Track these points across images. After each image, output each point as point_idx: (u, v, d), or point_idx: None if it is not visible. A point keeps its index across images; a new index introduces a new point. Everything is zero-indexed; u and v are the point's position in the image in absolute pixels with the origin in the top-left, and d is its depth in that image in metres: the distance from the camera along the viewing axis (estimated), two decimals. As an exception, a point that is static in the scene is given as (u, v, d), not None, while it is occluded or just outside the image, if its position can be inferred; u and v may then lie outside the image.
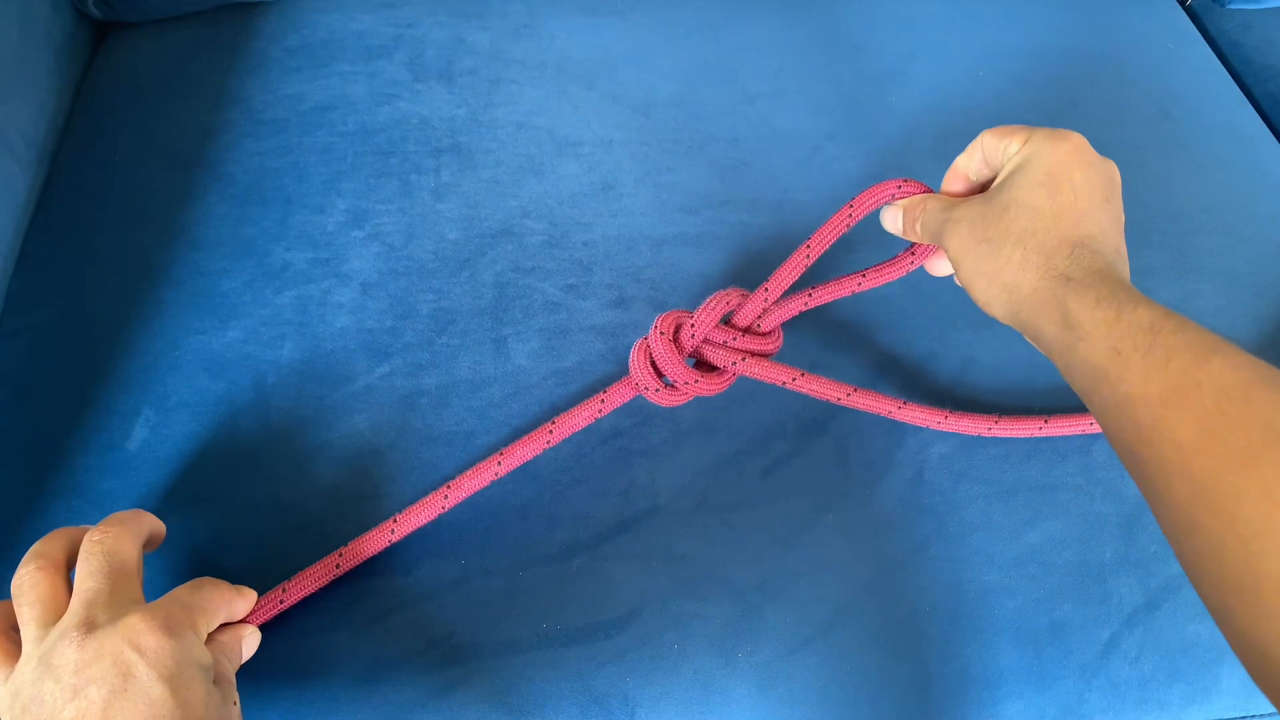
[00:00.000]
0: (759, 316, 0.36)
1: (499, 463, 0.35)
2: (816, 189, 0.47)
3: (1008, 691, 0.35)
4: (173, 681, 0.24)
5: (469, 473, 0.34)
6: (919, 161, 0.49)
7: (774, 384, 0.36)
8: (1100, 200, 0.30)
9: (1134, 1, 0.61)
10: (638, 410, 0.39)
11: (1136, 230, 0.47)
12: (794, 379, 0.36)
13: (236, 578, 0.31)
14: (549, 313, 0.41)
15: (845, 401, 0.37)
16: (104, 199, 0.44)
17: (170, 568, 0.34)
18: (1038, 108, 0.53)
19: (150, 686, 0.24)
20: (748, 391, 0.39)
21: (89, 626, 0.25)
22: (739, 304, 0.36)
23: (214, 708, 0.26)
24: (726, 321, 0.36)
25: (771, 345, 0.36)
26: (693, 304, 0.42)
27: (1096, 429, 0.39)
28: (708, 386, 0.35)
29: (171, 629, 0.25)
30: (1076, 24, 0.59)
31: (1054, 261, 0.28)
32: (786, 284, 0.36)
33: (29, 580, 0.27)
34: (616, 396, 0.36)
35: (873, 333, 0.42)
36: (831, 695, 0.34)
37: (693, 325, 0.35)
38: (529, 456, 0.35)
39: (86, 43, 0.51)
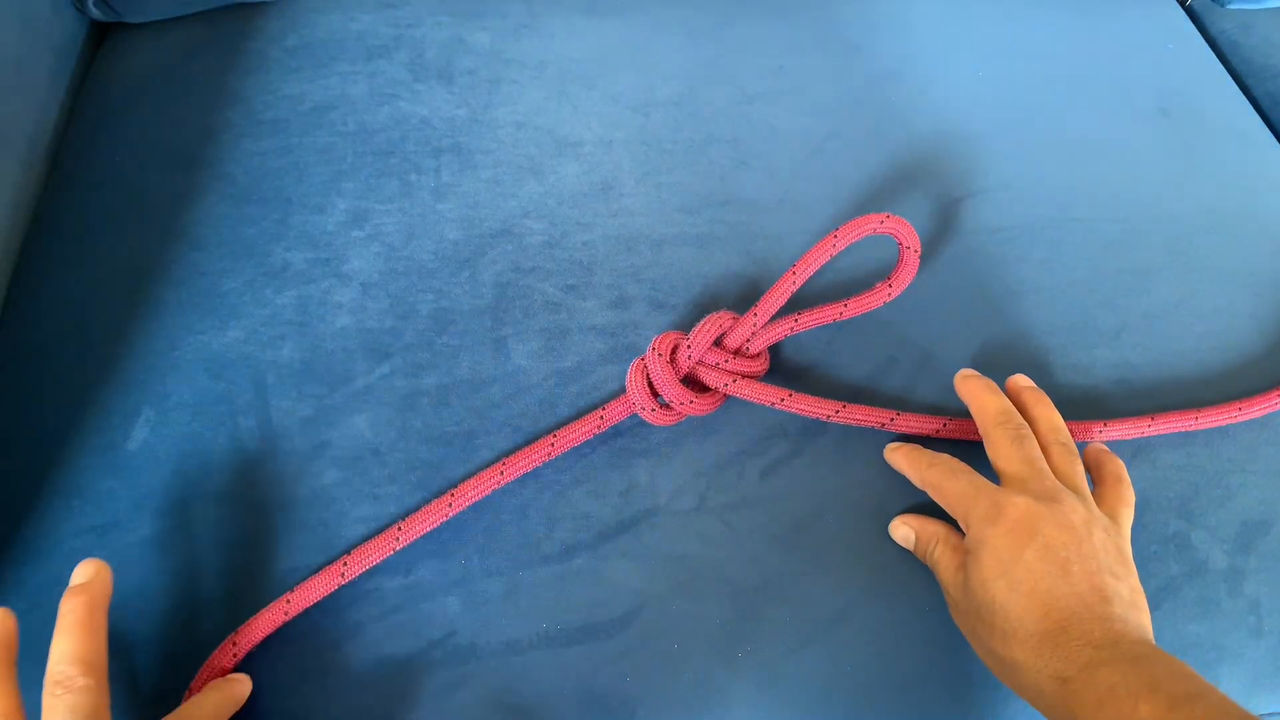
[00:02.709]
0: (748, 339, 0.38)
1: (501, 471, 0.35)
2: (816, 189, 0.47)
3: (1007, 692, 0.34)
4: None
5: (471, 481, 0.35)
6: (919, 161, 0.49)
7: (765, 405, 0.37)
8: (1058, 567, 0.28)
9: (1134, 1, 0.61)
10: (638, 410, 0.39)
11: (1137, 230, 0.48)
12: (782, 400, 0.37)
13: (236, 578, 0.31)
14: (549, 313, 0.41)
15: (835, 418, 0.37)
16: (104, 199, 0.44)
17: (170, 568, 0.34)
18: (1038, 108, 0.53)
19: None
20: (748, 391, 0.39)
21: None
22: (730, 326, 0.38)
23: None
24: (718, 344, 0.38)
25: (760, 367, 0.39)
26: (692, 305, 0.42)
27: (1097, 435, 0.39)
28: (700, 406, 0.37)
29: None
30: (1076, 24, 0.59)
31: (1043, 661, 0.27)
32: (774, 308, 0.38)
33: (64, 688, 0.25)
34: (614, 414, 0.37)
35: (872, 333, 0.42)
36: (831, 695, 0.34)
37: (689, 347, 0.37)
38: (530, 467, 0.36)
39: (86, 43, 0.51)
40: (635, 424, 0.38)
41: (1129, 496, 0.34)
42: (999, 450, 0.33)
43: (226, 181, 0.44)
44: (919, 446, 0.36)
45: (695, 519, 0.37)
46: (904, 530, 0.35)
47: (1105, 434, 0.39)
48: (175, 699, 0.31)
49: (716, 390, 0.37)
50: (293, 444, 0.37)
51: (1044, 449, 0.33)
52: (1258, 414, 0.41)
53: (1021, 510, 0.30)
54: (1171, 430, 0.40)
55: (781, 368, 0.41)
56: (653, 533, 0.36)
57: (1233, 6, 0.65)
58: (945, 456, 0.34)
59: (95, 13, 0.49)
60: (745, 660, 0.34)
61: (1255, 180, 0.52)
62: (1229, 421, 0.40)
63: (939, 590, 0.35)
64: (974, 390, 0.36)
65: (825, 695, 0.34)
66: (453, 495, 0.34)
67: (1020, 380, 0.37)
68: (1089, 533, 0.30)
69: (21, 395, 0.37)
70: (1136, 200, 0.49)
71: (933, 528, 0.34)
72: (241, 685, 0.31)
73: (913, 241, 0.40)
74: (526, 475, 0.36)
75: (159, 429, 0.37)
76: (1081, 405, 0.41)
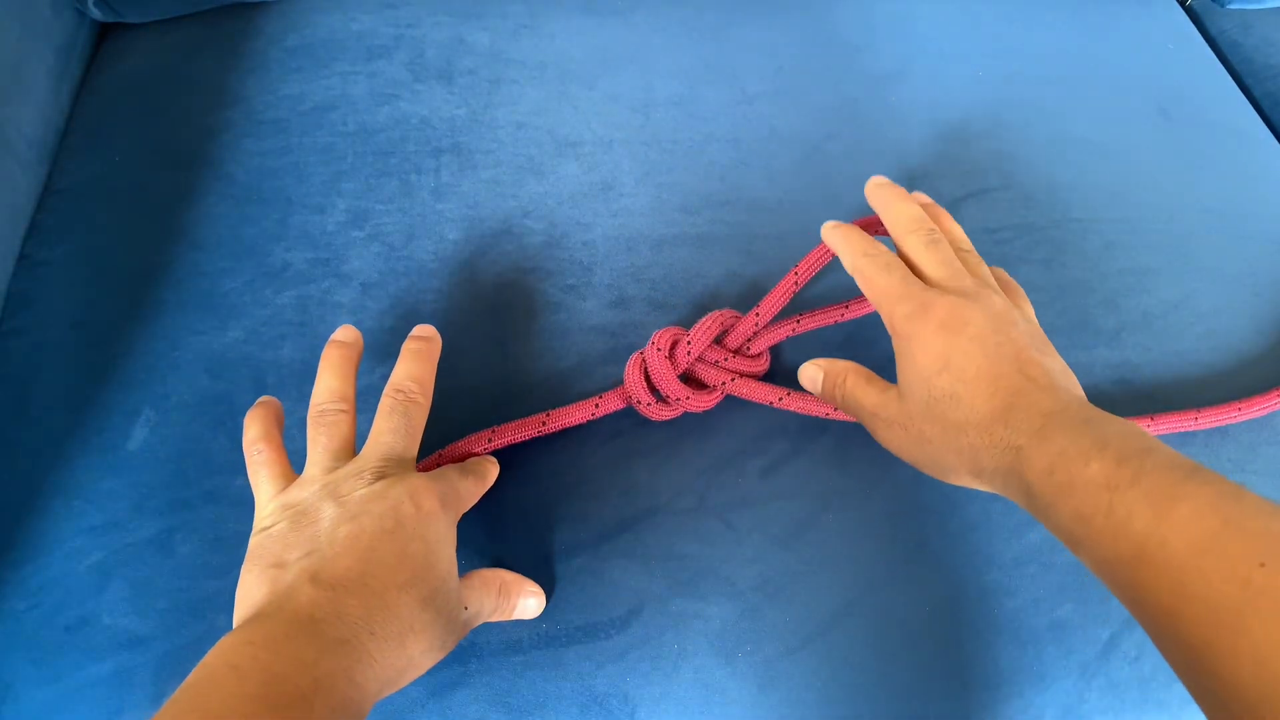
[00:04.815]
0: (749, 339, 0.38)
1: (490, 439, 0.35)
2: (816, 189, 0.47)
3: (1008, 692, 0.35)
4: (428, 545, 0.27)
5: (461, 443, 0.35)
6: (919, 162, 0.49)
7: (763, 404, 0.37)
8: (995, 350, 0.29)
9: (1134, 1, 0.61)
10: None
11: (1137, 230, 0.48)
12: (780, 398, 0.37)
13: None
14: (549, 313, 0.41)
15: (833, 415, 0.37)
16: (104, 199, 0.44)
17: (170, 568, 0.34)
18: (1038, 108, 0.53)
19: (411, 540, 0.27)
20: (748, 391, 0.39)
21: (380, 474, 0.29)
22: (732, 325, 0.38)
23: (446, 585, 0.28)
24: (718, 342, 0.38)
25: (760, 366, 0.38)
26: (692, 305, 0.42)
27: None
28: (697, 403, 0.37)
29: (444, 504, 0.29)
30: (1076, 24, 0.59)
31: (996, 437, 0.27)
32: (776, 309, 0.38)
33: (333, 418, 0.31)
34: (610, 403, 0.37)
35: (873, 332, 0.42)
36: (831, 695, 0.34)
37: (689, 343, 0.37)
38: (519, 439, 0.36)
39: (86, 43, 0.51)
40: (635, 424, 0.38)
41: (1028, 300, 0.35)
42: (917, 253, 0.33)
43: (226, 181, 0.44)
44: (861, 230, 0.35)
45: (695, 519, 0.37)
46: (812, 370, 0.35)
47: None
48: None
49: (715, 388, 0.37)
50: (292, 444, 0.37)
51: (959, 255, 0.34)
52: (1257, 414, 0.41)
53: (948, 305, 0.30)
54: (1171, 430, 0.40)
55: (781, 366, 0.41)
56: (653, 532, 0.36)
57: (1233, 6, 0.65)
58: (883, 249, 0.33)
59: (95, 13, 0.49)
60: (745, 660, 0.34)
61: (1255, 180, 0.52)
62: (1228, 422, 0.40)
63: (939, 590, 0.36)
64: (887, 198, 0.35)
65: (825, 695, 0.34)
66: (440, 456, 0.35)
67: (922, 197, 0.37)
68: (1013, 319, 0.30)
69: (21, 395, 0.37)
70: (1136, 200, 0.49)
71: (839, 364, 0.34)
72: (494, 467, 0.35)
73: None
74: (526, 476, 0.36)
75: (159, 429, 0.37)
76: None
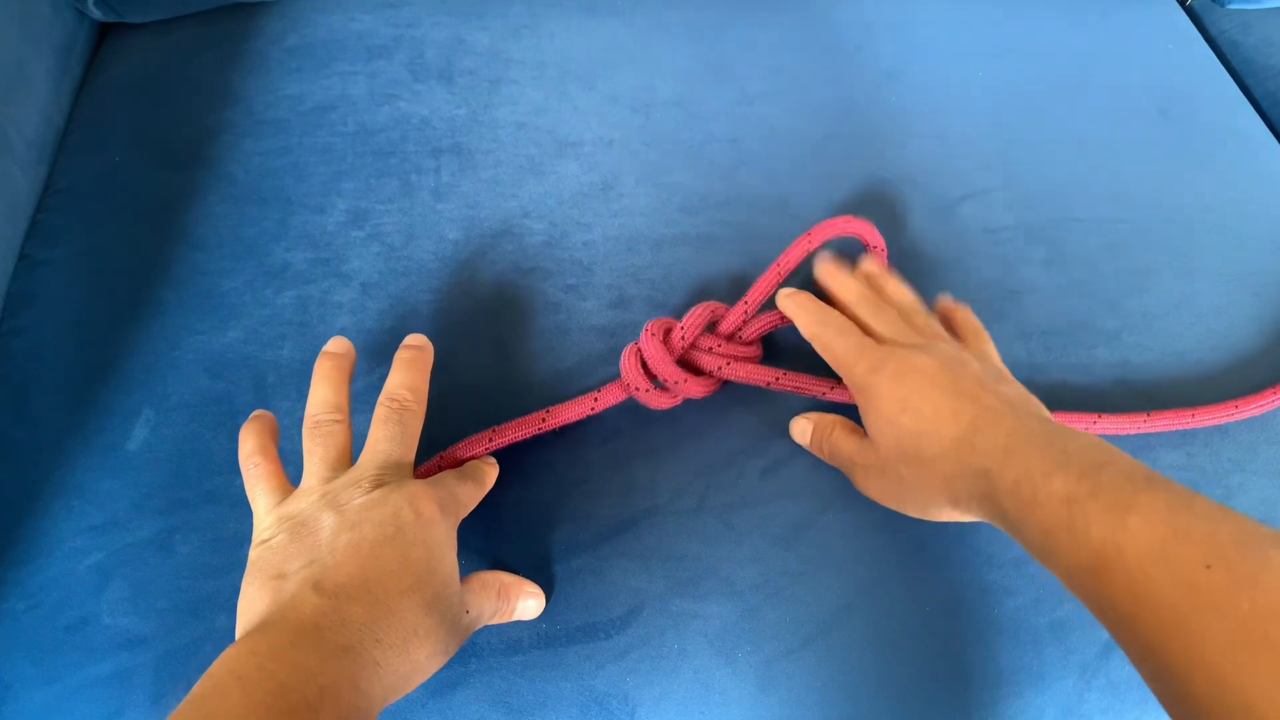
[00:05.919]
0: (740, 326, 0.39)
1: (490, 439, 0.35)
2: (816, 189, 0.47)
3: (1008, 692, 0.35)
4: (429, 550, 0.28)
5: (461, 445, 0.35)
6: (918, 162, 0.49)
7: (759, 385, 0.38)
8: (949, 385, 0.31)
9: (1134, 1, 0.61)
10: (637, 410, 0.39)
11: (1137, 230, 0.48)
12: (776, 379, 0.38)
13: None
14: (549, 313, 0.41)
15: (829, 396, 0.38)
16: (104, 199, 0.44)
17: (170, 568, 0.34)
18: (1038, 108, 0.53)
19: (411, 546, 0.27)
20: (746, 392, 0.39)
21: (378, 482, 0.29)
22: (722, 315, 0.38)
23: (448, 589, 0.28)
24: (711, 330, 0.38)
25: (754, 353, 0.39)
26: (692, 304, 0.42)
27: (1091, 428, 0.39)
28: (696, 388, 0.37)
29: (443, 510, 0.29)
30: (1076, 24, 0.59)
31: (964, 464, 0.29)
32: (764, 297, 0.39)
33: (328, 428, 0.31)
34: (609, 396, 0.37)
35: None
36: (831, 695, 0.34)
37: (682, 329, 0.37)
38: (520, 437, 0.36)
39: (86, 43, 0.51)
40: (635, 423, 0.38)
41: (988, 338, 0.37)
42: (867, 320, 0.36)
43: (226, 181, 0.44)
44: (813, 297, 0.37)
45: (695, 519, 0.37)
46: (803, 424, 0.37)
47: (1099, 427, 0.39)
48: (177, 698, 0.31)
49: (711, 373, 0.37)
50: (293, 444, 0.37)
51: (905, 318, 0.36)
52: (1255, 412, 0.41)
53: (901, 356, 0.32)
54: (1168, 428, 0.40)
55: (774, 352, 0.41)
56: (652, 532, 0.36)
57: (1233, 6, 0.65)
58: (835, 314, 0.36)
59: (95, 13, 0.49)
60: (745, 660, 0.34)
61: (1255, 180, 0.52)
62: (1226, 420, 0.40)
63: (938, 590, 0.36)
64: (834, 274, 0.39)
65: (825, 695, 0.34)
66: (441, 458, 0.35)
67: (870, 265, 0.40)
68: (964, 362, 0.32)
69: (21, 395, 0.37)
70: (1136, 200, 0.49)
71: (827, 417, 0.36)
72: (494, 470, 0.35)
73: (877, 240, 0.42)
74: (526, 476, 0.36)
75: (159, 429, 0.37)
76: (1082, 405, 0.41)
